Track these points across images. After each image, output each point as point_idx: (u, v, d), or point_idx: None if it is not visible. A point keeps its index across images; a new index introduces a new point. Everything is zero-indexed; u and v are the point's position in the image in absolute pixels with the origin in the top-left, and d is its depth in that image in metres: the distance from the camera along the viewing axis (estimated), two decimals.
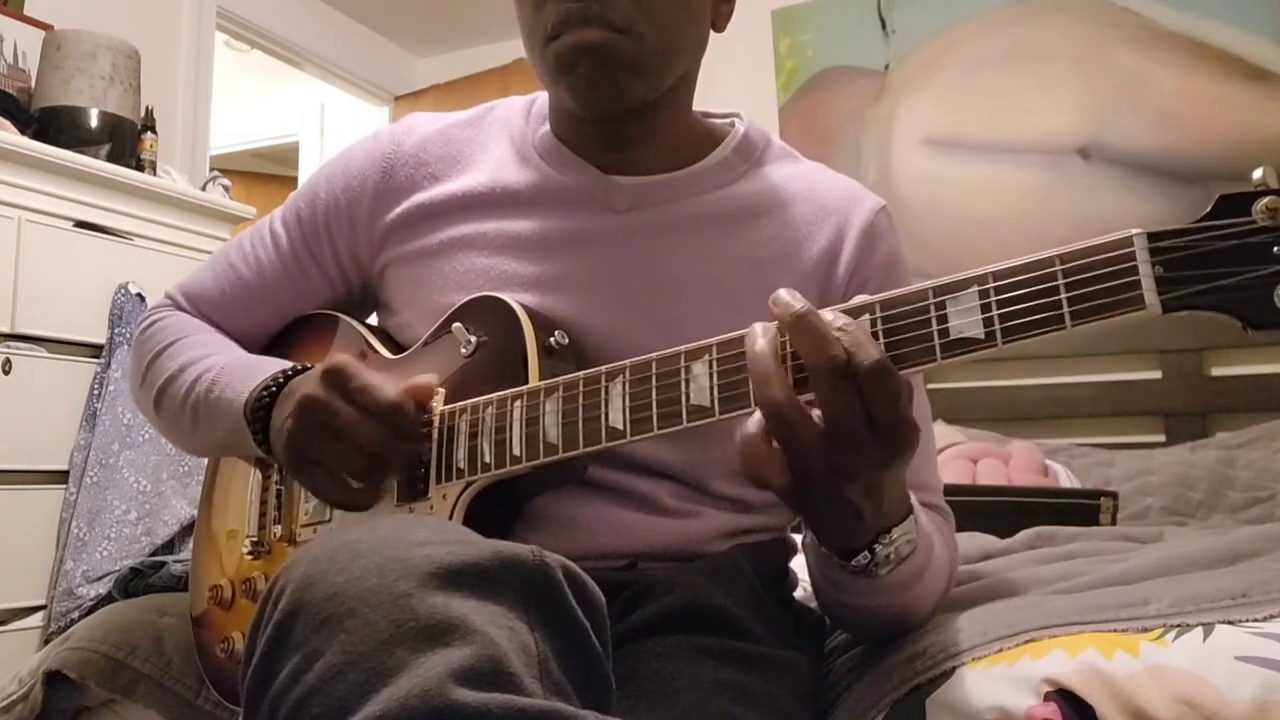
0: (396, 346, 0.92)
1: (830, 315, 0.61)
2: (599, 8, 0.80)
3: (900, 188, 2.95)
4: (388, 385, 0.76)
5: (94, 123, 2.43)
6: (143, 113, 2.59)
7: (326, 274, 0.98)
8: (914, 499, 0.72)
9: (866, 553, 0.68)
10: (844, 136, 3.07)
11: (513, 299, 0.83)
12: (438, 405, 0.81)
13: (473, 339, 0.82)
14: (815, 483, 0.62)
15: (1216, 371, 2.54)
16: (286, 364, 0.87)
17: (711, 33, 0.93)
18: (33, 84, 2.49)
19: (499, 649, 0.50)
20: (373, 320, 1.01)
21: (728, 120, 0.98)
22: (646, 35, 0.82)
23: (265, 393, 0.83)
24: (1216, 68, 2.65)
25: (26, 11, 2.59)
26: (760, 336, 0.62)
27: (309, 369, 0.84)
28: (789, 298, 0.61)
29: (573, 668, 0.55)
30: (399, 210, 0.93)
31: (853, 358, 0.59)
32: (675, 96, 0.91)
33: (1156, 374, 2.58)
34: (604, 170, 0.90)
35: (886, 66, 3.06)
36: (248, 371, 0.87)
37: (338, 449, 0.75)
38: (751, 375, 0.62)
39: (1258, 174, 0.56)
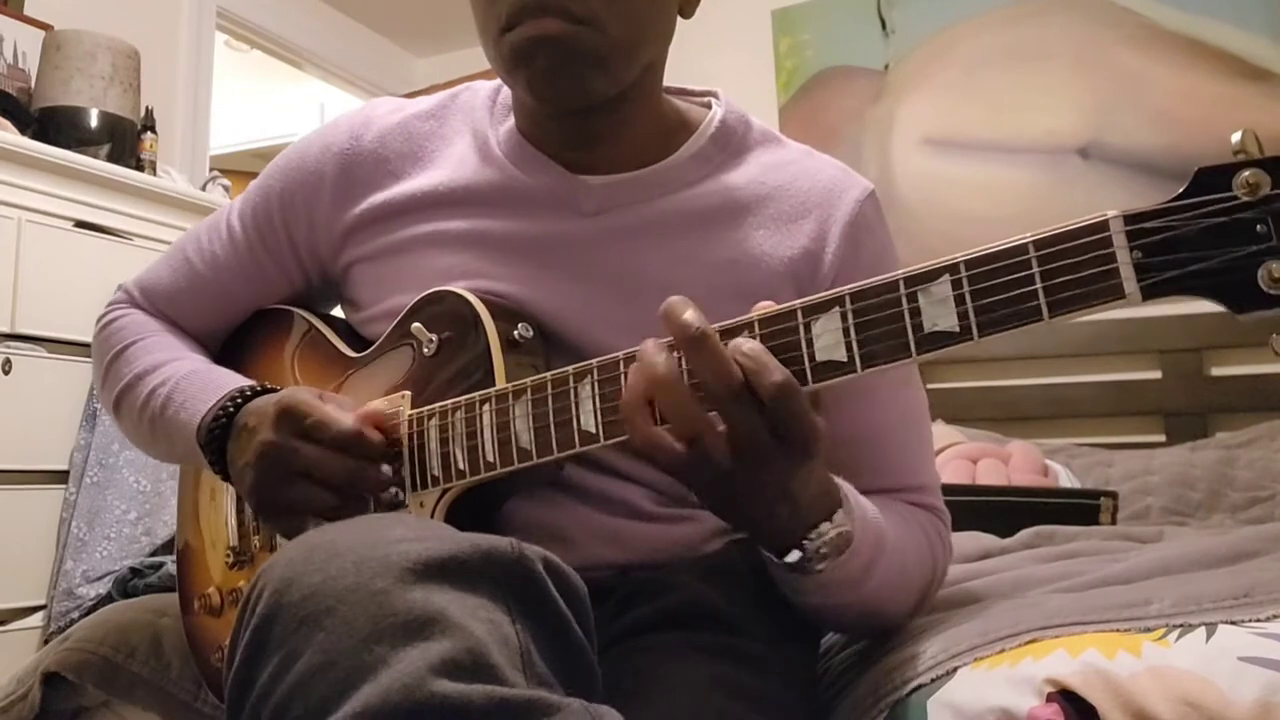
0: (362, 343, 0.90)
1: (738, 337, 0.62)
2: None
3: (900, 187, 2.95)
4: (344, 414, 0.75)
5: (94, 123, 2.42)
6: (143, 113, 2.59)
7: (284, 270, 0.96)
8: (846, 489, 0.72)
9: (797, 550, 0.69)
10: (844, 136, 3.06)
11: (469, 292, 0.80)
12: (405, 410, 0.80)
13: (434, 337, 0.80)
14: (727, 489, 0.64)
15: (1216, 371, 2.54)
16: (240, 382, 0.85)
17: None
18: (33, 84, 2.49)
19: (479, 641, 0.50)
20: (338, 312, 0.99)
21: (704, 101, 0.93)
22: (610, 26, 0.77)
23: (216, 423, 0.82)
24: (1216, 67, 2.65)
25: (26, 11, 2.58)
26: (658, 353, 0.63)
27: (261, 391, 0.83)
28: (687, 313, 0.62)
29: (556, 658, 0.55)
30: (359, 210, 0.90)
31: (754, 382, 0.60)
32: (642, 88, 0.85)
33: (1156, 374, 2.57)
34: (571, 168, 0.86)
35: (886, 66, 3.06)
36: (201, 390, 0.86)
37: (306, 490, 0.74)
38: (656, 393, 0.62)
39: (1236, 137, 0.52)
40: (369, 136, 0.91)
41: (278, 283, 0.97)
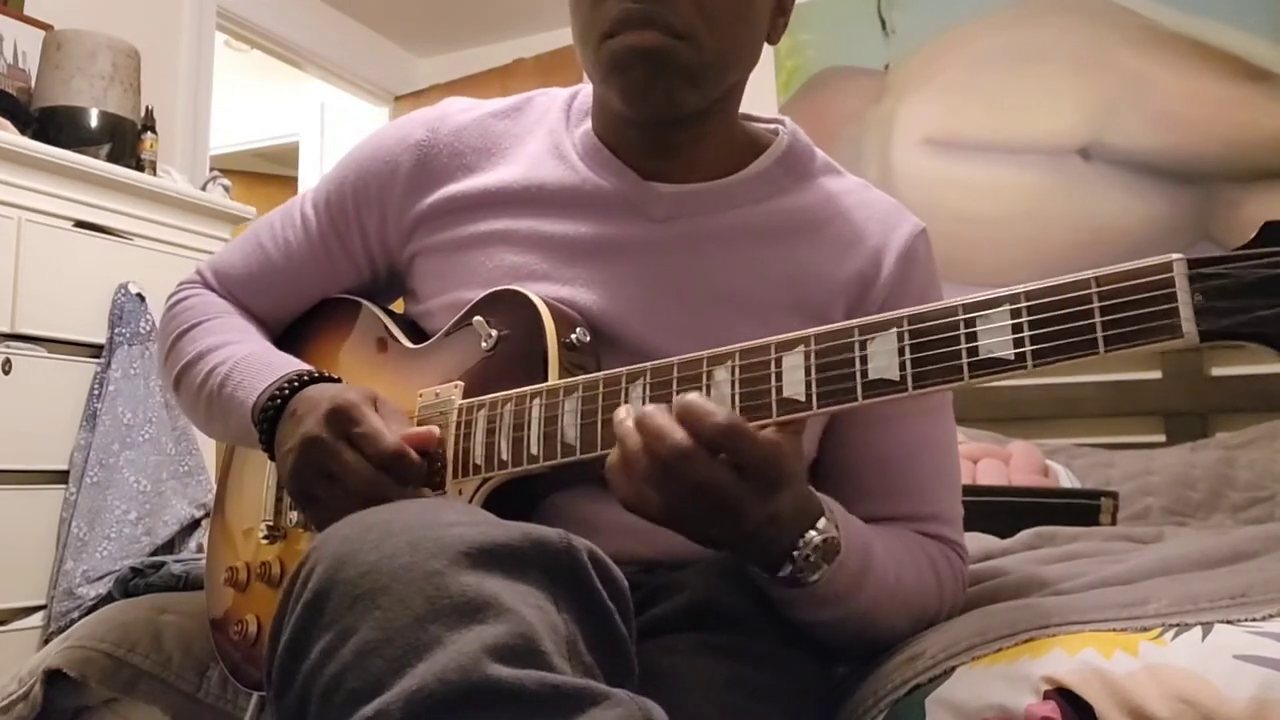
0: (420, 335, 0.92)
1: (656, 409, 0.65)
2: (661, 11, 0.78)
3: (901, 188, 2.95)
4: (389, 431, 0.76)
5: (94, 123, 2.43)
6: (143, 113, 2.59)
7: (353, 259, 0.98)
8: (828, 501, 0.73)
9: (788, 562, 0.69)
10: (844, 137, 3.06)
11: (535, 294, 0.82)
12: (456, 399, 0.82)
13: (493, 333, 0.82)
14: (708, 530, 0.67)
15: (1216, 372, 2.54)
16: (298, 367, 0.87)
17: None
18: (33, 84, 2.49)
19: (531, 627, 0.51)
20: (399, 306, 1.01)
21: (772, 127, 0.96)
22: (706, 44, 0.80)
23: (270, 403, 0.83)
24: (1217, 68, 2.65)
25: (26, 11, 2.58)
26: (628, 418, 0.66)
27: (318, 377, 0.85)
28: (622, 408, 0.67)
29: (599, 649, 0.56)
30: (430, 201, 0.92)
31: (696, 430, 0.63)
32: (723, 106, 0.89)
33: (1157, 374, 2.57)
34: (643, 175, 0.88)
35: (886, 66, 3.06)
36: (260, 371, 0.88)
37: (336, 491, 0.76)
38: (625, 459, 0.65)
39: None
40: (445, 130, 0.93)
41: (346, 272, 0.99)
